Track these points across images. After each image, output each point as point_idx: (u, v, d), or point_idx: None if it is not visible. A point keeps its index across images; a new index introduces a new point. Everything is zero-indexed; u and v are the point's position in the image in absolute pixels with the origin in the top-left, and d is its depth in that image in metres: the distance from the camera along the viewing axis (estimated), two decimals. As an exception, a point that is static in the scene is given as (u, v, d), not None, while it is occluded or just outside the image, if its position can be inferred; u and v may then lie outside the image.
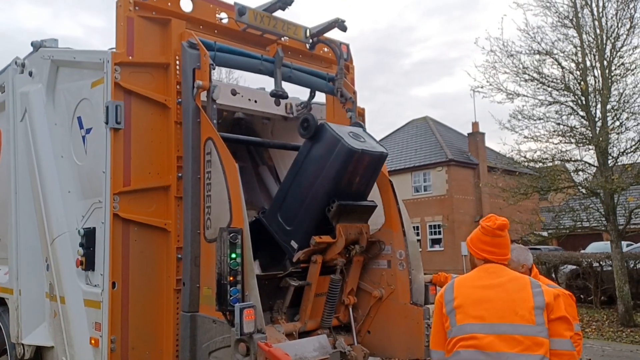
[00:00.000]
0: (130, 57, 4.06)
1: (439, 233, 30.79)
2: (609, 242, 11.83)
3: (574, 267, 14.63)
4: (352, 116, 5.09)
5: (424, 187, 31.35)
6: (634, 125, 11.01)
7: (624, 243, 14.88)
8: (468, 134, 32.44)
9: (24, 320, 4.69)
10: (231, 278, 3.51)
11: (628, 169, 11.11)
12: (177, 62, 4.18)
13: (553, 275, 14.70)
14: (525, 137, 11.66)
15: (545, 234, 13.50)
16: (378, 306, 4.79)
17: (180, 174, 4.09)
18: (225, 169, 3.76)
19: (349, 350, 4.52)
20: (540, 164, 11.93)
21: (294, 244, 4.27)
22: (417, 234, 31.51)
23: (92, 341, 3.92)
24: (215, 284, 3.56)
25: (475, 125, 31.79)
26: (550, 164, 11.85)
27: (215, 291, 3.57)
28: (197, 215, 3.93)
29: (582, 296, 14.70)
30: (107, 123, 3.93)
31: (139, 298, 3.96)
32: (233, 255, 3.52)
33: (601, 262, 13.42)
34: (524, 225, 12.39)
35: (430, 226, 31.12)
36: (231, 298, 3.47)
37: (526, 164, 12.24)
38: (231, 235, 3.52)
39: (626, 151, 10.99)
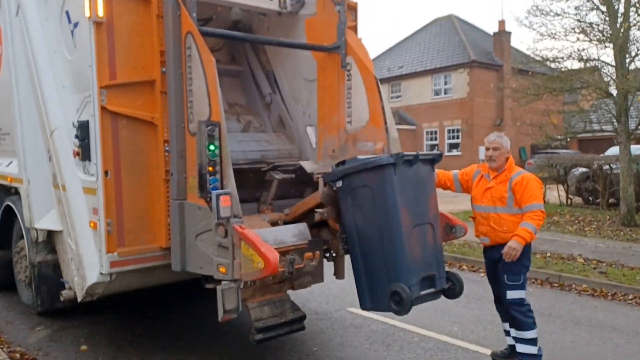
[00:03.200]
0: (110, -51, 4.03)
1: (457, 137, 30.67)
2: (632, 146, 11.70)
3: (585, 169, 14.66)
4: (340, 10, 5.05)
5: (444, 90, 30.78)
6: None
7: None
8: (494, 33, 31.11)
9: (34, 207, 5.08)
10: (210, 168, 3.74)
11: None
12: (157, -47, 4.13)
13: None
14: (541, 34, 11.24)
15: (557, 136, 13.37)
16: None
17: (164, 69, 4.20)
18: (203, 64, 3.86)
19: (331, 238, 4.82)
20: (556, 64, 11.58)
21: None
22: (435, 139, 31.48)
23: (92, 224, 4.27)
24: (197, 174, 3.81)
25: (501, 23, 30.40)
26: (567, 62, 11.50)
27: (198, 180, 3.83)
28: (181, 110, 4.09)
29: (590, 198, 14.88)
30: (89, 17, 4.00)
31: (132, 186, 4.23)
32: (211, 147, 3.72)
33: (611, 165, 13.39)
34: (534, 127, 12.28)
35: (448, 130, 30.96)
36: (211, 186, 3.72)
37: (547, 63, 11.84)
38: (209, 127, 3.70)
39: (647, 49, 10.57)
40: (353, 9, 5.54)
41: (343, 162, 4.16)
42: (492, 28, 35.25)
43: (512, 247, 4.11)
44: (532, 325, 4.25)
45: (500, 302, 4.47)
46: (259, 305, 4.16)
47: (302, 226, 4.47)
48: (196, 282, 4.30)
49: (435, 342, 5.12)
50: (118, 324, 5.51)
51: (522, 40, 31.22)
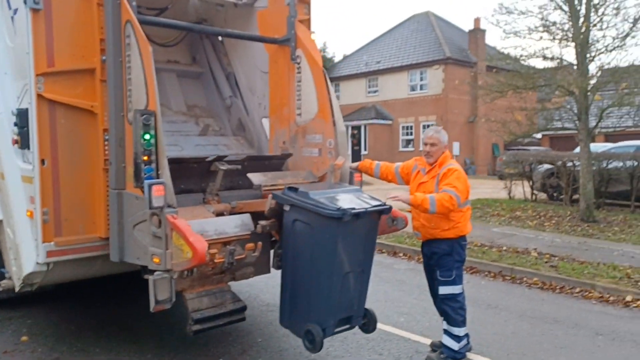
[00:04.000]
0: None
1: (432, 132, 30.86)
2: (598, 143, 11.98)
3: (550, 166, 14.92)
4: (290, 3, 5.07)
5: (420, 85, 30.97)
6: (618, 22, 10.70)
7: (607, 144, 15.08)
8: (469, 30, 31.38)
9: (-23, 196, 4.99)
10: (145, 157, 3.73)
11: (602, 69, 10.97)
12: (97, -61, 4.09)
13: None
14: (506, 32, 11.40)
15: (521, 133, 13.56)
16: (309, 191, 5.07)
17: (104, 57, 4.16)
18: (141, 52, 3.84)
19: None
20: (522, 62, 11.76)
21: None
22: (411, 134, 31.67)
23: (28, 213, 4.22)
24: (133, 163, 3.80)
25: (476, 21, 30.64)
26: (531, 60, 11.69)
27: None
28: (120, 98, 4.06)
29: (554, 194, 15.16)
30: (25, 3, 3.94)
31: (70, 175, 4.18)
32: (146, 137, 3.71)
33: (574, 162, 13.64)
34: (497, 123, 12.47)
35: (424, 126, 31.16)
36: (145, 176, 3.72)
37: (507, 62, 12.06)
38: (144, 117, 3.69)
39: (607, 47, 10.78)
40: (306, 2, 5.54)
41: (295, 189, 4.11)
42: (468, 25, 35.44)
43: (399, 193, 4.17)
44: (460, 323, 4.33)
45: (435, 296, 4.55)
46: (197, 296, 4.16)
47: (246, 217, 4.47)
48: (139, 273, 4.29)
49: (379, 332, 5.18)
50: (63, 315, 5.47)
51: (492, 39, 31.69)
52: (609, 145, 15.76)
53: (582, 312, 6.05)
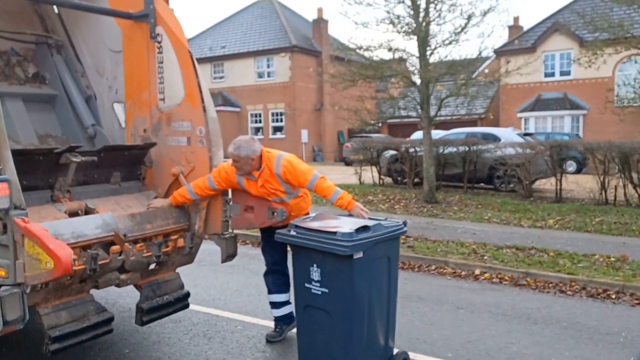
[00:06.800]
0: None
1: (281, 121, 31.28)
2: (432, 130, 12.92)
3: (395, 152, 15.94)
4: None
5: (268, 73, 31.06)
6: (453, 18, 11.71)
7: (441, 132, 16.53)
8: (313, 20, 32.20)
9: None
10: (-18, 150, 3.05)
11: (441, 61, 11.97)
12: None
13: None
14: (355, 23, 11.80)
15: (371, 121, 14.26)
16: (178, 184, 4.64)
17: None
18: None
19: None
20: (369, 52, 12.30)
21: None
22: (260, 122, 31.70)
23: None
24: (-35, 157, 3.08)
25: (319, 11, 31.56)
26: (378, 51, 12.29)
27: (-33, 166, 3.10)
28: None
29: (399, 179, 16.27)
30: None
31: None
32: (-18, 124, 3.03)
33: (416, 148, 14.75)
34: (350, 112, 12.95)
35: (272, 113, 31.41)
36: (-17, 172, 3.04)
37: (357, 51, 12.54)
38: (-23, 99, 3.00)
39: (444, 42, 11.75)
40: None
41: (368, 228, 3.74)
42: (310, 15, 36.51)
43: (361, 209, 4.24)
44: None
45: None
46: (53, 310, 3.56)
47: (107, 216, 3.95)
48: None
49: (259, 328, 4.99)
50: None
51: (340, 29, 33.26)
52: (442, 132, 17.35)
53: (441, 287, 6.49)
